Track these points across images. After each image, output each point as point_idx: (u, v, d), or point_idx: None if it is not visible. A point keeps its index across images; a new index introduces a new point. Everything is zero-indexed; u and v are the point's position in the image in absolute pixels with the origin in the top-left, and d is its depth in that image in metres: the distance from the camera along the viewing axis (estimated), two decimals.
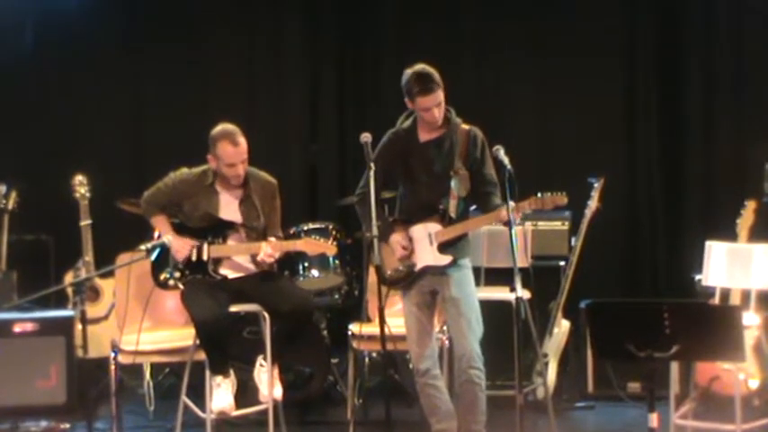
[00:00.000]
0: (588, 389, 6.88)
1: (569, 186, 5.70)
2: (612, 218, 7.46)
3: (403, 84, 5.50)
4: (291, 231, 6.68)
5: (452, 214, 5.56)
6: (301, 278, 6.75)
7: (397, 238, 5.61)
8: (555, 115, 8.00)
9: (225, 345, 5.85)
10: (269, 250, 5.83)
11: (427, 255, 5.57)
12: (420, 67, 5.49)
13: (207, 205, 5.95)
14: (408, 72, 5.49)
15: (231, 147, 5.82)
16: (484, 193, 5.60)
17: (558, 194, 5.47)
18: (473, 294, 5.60)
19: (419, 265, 5.59)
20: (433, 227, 5.57)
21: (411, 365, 5.78)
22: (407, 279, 5.62)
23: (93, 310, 6.97)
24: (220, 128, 5.89)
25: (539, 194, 5.46)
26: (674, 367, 5.88)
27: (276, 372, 5.94)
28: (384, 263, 5.55)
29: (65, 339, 6.48)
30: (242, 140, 5.85)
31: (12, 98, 7.95)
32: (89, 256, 7.04)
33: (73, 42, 8.04)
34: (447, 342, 6.10)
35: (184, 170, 6.04)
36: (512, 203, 5.31)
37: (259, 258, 5.85)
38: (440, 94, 5.46)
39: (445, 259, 5.55)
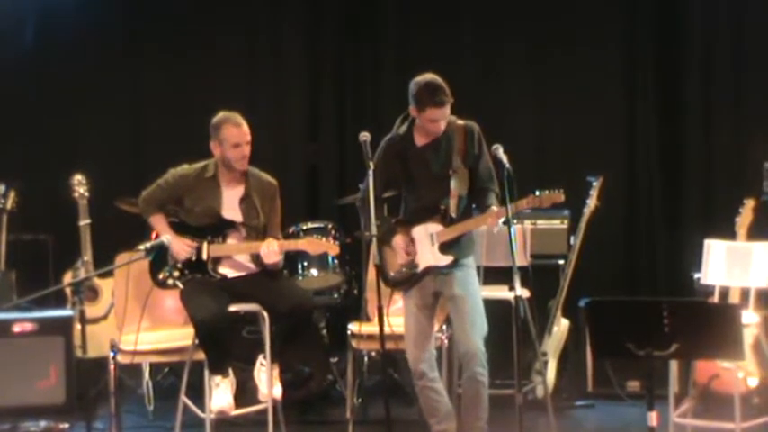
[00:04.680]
0: (588, 387, 6.88)
1: (568, 185, 5.69)
2: (611, 216, 7.47)
3: (413, 93, 5.45)
4: (291, 231, 6.68)
5: (453, 214, 5.55)
6: (300, 277, 6.75)
7: (399, 240, 5.61)
8: (554, 114, 7.98)
9: (224, 344, 5.84)
10: (275, 248, 5.81)
11: (429, 255, 5.56)
12: (431, 77, 5.44)
13: (210, 199, 5.93)
14: (420, 82, 5.44)
15: (235, 128, 5.84)
16: (481, 189, 5.61)
17: (555, 192, 5.48)
18: (477, 293, 5.60)
19: (421, 266, 5.59)
20: (435, 227, 5.57)
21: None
22: (410, 280, 5.62)
23: (92, 310, 6.96)
24: (220, 114, 5.92)
25: (536, 192, 5.47)
26: (674, 366, 5.88)
27: (276, 371, 5.94)
28: (387, 264, 5.56)
29: (64, 339, 6.48)
30: (244, 123, 5.88)
31: (10, 97, 7.93)
32: (88, 256, 7.03)
33: (72, 42, 8.02)
34: (446, 341, 6.10)
35: (185, 166, 6.03)
36: (509, 205, 5.32)
37: (269, 262, 5.81)
38: (449, 108, 5.45)
39: (446, 259, 5.55)
